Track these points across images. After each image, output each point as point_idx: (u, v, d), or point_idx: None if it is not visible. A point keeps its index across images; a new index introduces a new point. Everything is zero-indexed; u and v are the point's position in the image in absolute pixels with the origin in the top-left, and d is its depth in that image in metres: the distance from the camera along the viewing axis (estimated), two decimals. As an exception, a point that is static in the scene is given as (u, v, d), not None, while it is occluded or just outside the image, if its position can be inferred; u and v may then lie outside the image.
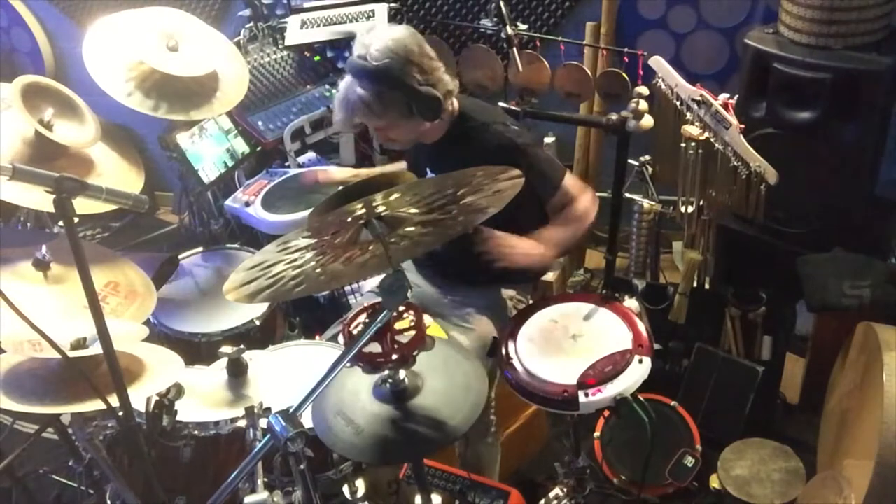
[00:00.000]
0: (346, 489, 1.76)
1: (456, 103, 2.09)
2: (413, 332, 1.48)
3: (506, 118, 2.16)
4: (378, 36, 1.94)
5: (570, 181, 2.13)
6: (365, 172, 2.52)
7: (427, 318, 1.56)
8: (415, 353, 1.47)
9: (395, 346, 1.45)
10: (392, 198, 1.39)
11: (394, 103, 1.96)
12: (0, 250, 1.95)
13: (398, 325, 1.48)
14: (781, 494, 2.22)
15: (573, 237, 2.12)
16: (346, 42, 3.23)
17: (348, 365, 1.45)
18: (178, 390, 1.80)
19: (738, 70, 2.69)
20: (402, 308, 1.48)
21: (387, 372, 1.49)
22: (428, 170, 2.20)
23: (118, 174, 2.41)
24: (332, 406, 1.54)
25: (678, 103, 2.46)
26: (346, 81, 1.99)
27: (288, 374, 2.05)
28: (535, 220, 2.13)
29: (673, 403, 2.44)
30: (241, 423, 1.85)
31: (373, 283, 2.46)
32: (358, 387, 1.56)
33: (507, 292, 2.29)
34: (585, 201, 2.12)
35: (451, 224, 1.61)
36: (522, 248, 1.99)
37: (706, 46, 2.97)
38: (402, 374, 1.50)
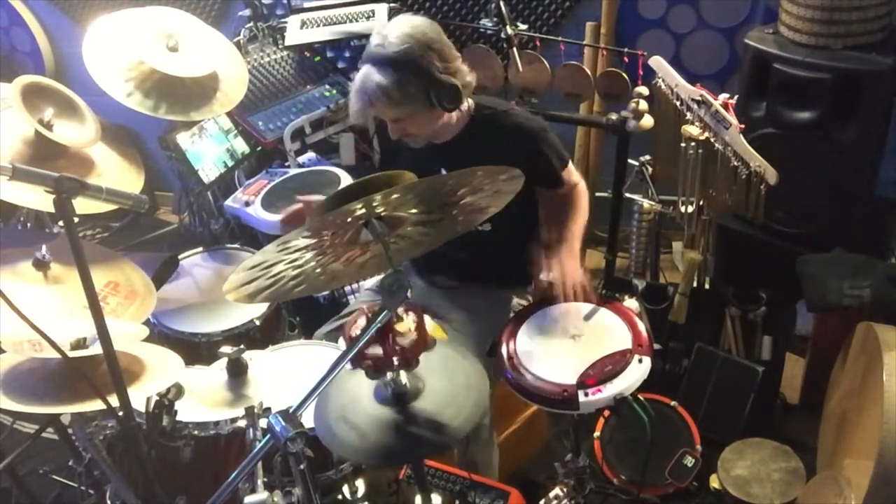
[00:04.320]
0: (346, 489, 1.76)
1: (471, 101, 2.09)
2: (415, 335, 1.48)
3: (508, 103, 2.19)
4: (396, 25, 1.93)
5: (571, 165, 2.20)
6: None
7: (427, 320, 1.56)
8: (417, 355, 1.47)
9: (398, 349, 1.45)
10: (392, 198, 1.39)
11: (413, 92, 1.92)
12: (0, 250, 1.95)
13: (399, 328, 1.48)
14: (781, 494, 2.22)
15: (584, 224, 2.16)
16: (346, 42, 3.23)
17: (351, 369, 1.45)
18: (178, 390, 1.80)
19: (738, 70, 2.69)
20: (403, 310, 1.48)
21: (389, 375, 1.49)
22: (443, 171, 2.17)
23: (118, 174, 2.41)
24: (334, 411, 1.54)
25: (678, 103, 2.46)
26: (362, 71, 1.93)
27: (288, 374, 2.05)
28: (530, 211, 2.17)
29: (673, 403, 2.44)
30: (241, 423, 1.85)
31: (371, 282, 2.45)
32: (359, 391, 1.55)
33: (508, 292, 2.28)
34: (585, 189, 2.20)
35: (451, 224, 1.61)
36: (574, 269, 2.01)
37: (706, 46, 2.97)
38: (403, 376, 1.50)
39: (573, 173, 2.19)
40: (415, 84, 1.91)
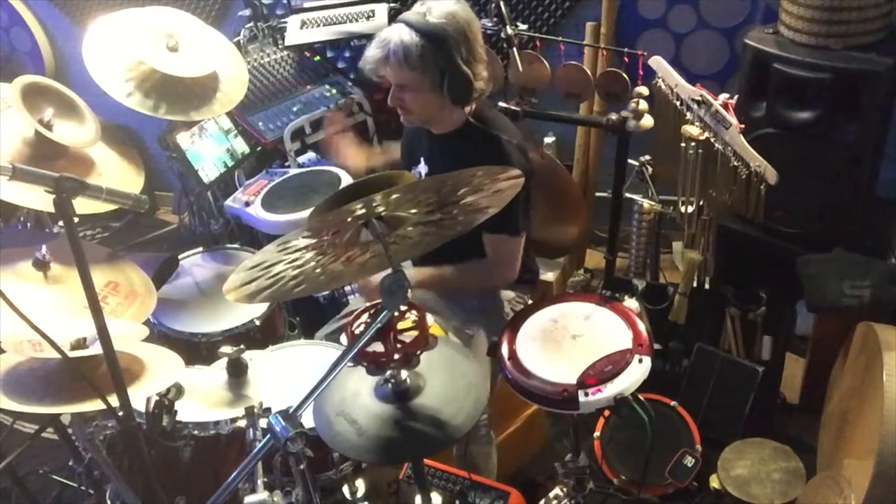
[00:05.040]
0: (346, 489, 1.76)
1: (474, 104, 2.09)
2: (416, 332, 1.48)
3: (518, 136, 2.15)
4: (444, 2, 1.96)
5: (518, 244, 2.13)
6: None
7: (428, 317, 1.56)
8: (418, 353, 1.47)
9: (399, 346, 1.45)
10: (392, 198, 1.39)
11: (430, 66, 1.94)
12: (0, 250, 1.95)
13: (401, 325, 1.48)
14: (781, 494, 2.22)
15: (453, 283, 2.17)
16: (346, 42, 3.23)
17: (351, 365, 1.46)
18: (178, 390, 1.80)
19: (738, 70, 2.68)
20: (405, 307, 1.48)
21: (389, 372, 1.49)
22: (422, 160, 2.19)
23: (118, 174, 2.40)
24: (334, 406, 1.54)
25: (678, 103, 2.45)
26: (393, 26, 1.97)
27: (288, 374, 2.05)
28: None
29: (673, 403, 2.44)
30: (241, 423, 1.85)
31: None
32: (360, 387, 1.56)
33: (506, 294, 2.28)
34: (503, 274, 2.15)
35: (451, 224, 1.61)
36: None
37: (706, 46, 2.97)
38: (403, 373, 1.50)
39: (510, 249, 2.11)
40: (435, 60, 1.93)
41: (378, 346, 1.44)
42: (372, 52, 1.98)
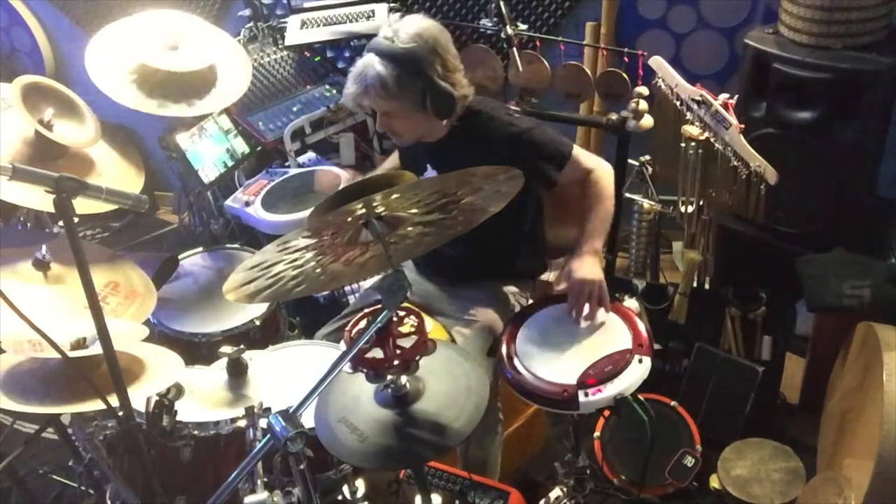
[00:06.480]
0: (345, 489, 1.76)
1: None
2: (415, 337, 1.48)
3: (508, 108, 2.16)
4: (409, 22, 1.95)
5: (581, 154, 2.13)
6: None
7: (428, 321, 1.56)
8: (417, 358, 1.47)
9: (398, 352, 1.45)
10: (392, 198, 1.39)
11: (410, 90, 1.94)
12: (0, 250, 1.95)
13: (400, 330, 1.48)
14: (781, 494, 2.22)
15: (607, 216, 2.12)
16: (346, 42, 3.23)
17: (351, 372, 1.45)
18: (178, 390, 1.80)
19: (738, 70, 2.68)
20: (403, 313, 1.48)
21: (389, 377, 1.49)
22: (429, 167, 2.19)
23: (118, 174, 2.41)
24: (335, 413, 1.54)
25: (678, 103, 2.46)
26: (365, 58, 1.96)
27: (288, 374, 2.05)
28: (533, 215, 2.17)
29: (673, 403, 2.44)
30: (241, 423, 1.85)
31: (371, 281, 2.45)
32: (360, 393, 1.55)
33: (509, 288, 2.28)
34: (603, 175, 2.13)
35: (451, 224, 1.61)
36: (594, 272, 2.01)
37: (706, 46, 2.97)
38: (403, 378, 1.50)
39: (581, 163, 2.11)
40: (413, 83, 1.93)
41: (377, 353, 1.44)
42: (350, 89, 1.98)
